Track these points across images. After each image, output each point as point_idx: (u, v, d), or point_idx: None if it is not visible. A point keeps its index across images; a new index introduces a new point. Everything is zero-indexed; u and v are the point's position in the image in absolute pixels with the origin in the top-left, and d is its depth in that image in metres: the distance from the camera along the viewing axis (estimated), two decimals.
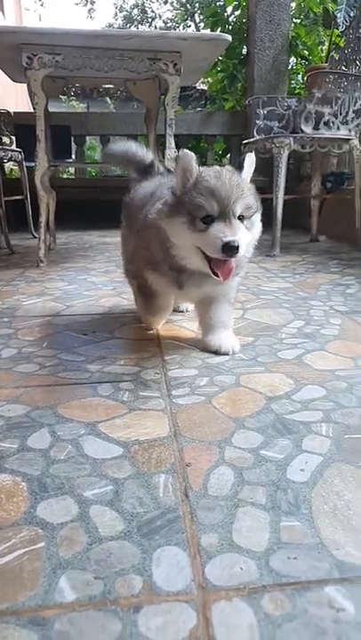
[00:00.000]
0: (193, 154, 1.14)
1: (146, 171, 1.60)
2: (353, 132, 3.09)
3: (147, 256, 1.30)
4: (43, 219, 2.75)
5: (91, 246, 3.51)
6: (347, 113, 3.03)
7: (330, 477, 0.78)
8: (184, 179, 1.14)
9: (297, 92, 5.61)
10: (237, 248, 1.06)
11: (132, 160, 1.64)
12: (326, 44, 5.31)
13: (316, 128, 2.97)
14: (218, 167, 1.18)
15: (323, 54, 5.44)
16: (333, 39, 4.80)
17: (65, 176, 6.22)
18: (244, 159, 1.20)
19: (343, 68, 3.38)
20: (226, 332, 1.36)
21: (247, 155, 1.21)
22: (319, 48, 5.59)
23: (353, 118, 3.05)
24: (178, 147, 6.23)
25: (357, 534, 0.66)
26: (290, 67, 5.63)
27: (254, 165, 1.21)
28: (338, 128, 3.02)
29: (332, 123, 3.00)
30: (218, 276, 1.12)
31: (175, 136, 5.89)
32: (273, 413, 1.00)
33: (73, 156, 5.37)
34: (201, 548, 0.63)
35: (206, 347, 1.34)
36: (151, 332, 1.51)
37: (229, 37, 2.51)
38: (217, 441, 0.90)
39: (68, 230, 4.41)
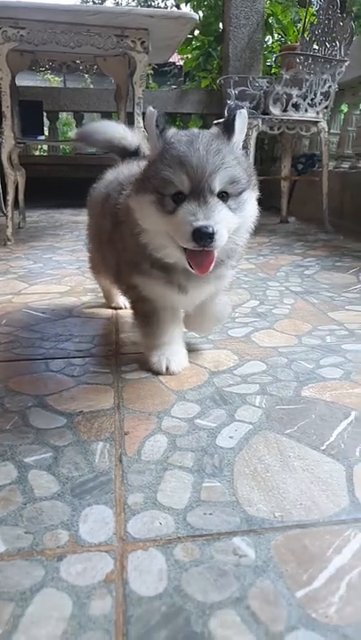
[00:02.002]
0: (156, 112, 0.92)
1: (129, 157, 1.36)
2: (321, 115, 3.13)
3: (125, 256, 1.08)
4: (10, 197, 2.73)
5: (61, 225, 3.50)
6: (315, 95, 3.06)
7: (255, 444, 0.85)
8: (153, 146, 0.95)
9: (273, 71, 5.60)
10: (212, 235, 0.83)
11: (115, 146, 1.40)
12: (302, 22, 5.28)
13: (284, 110, 3.00)
14: (195, 130, 0.94)
15: (299, 34, 5.42)
16: (308, 18, 4.78)
17: (37, 153, 6.12)
18: (233, 117, 0.92)
19: (315, 48, 3.40)
20: (216, 325, 1.24)
21: (238, 111, 0.93)
22: (297, 27, 5.57)
23: (321, 100, 3.09)
24: None
25: (270, 493, 0.72)
26: (267, 45, 5.61)
27: (246, 126, 0.97)
28: (306, 110, 3.05)
29: (301, 105, 3.02)
30: (193, 268, 0.91)
31: None
32: (213, 386, 1.06)
33: (45, 133, 5.28)
34: (126, 506, 0.69)
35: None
36: (164, 374, 1.12)
37: (196, 16, 2.50)
38: (157, 412, 0.95)
39: (40, 208, 4.38)
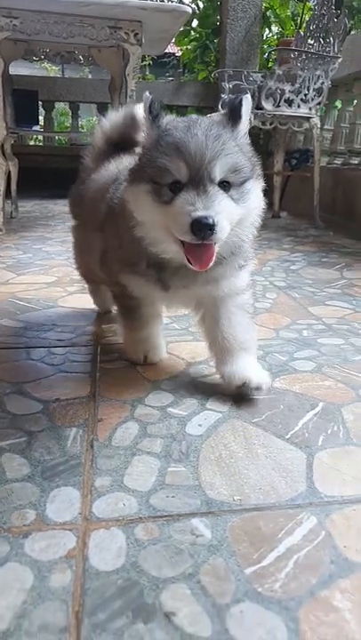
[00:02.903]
0: (150, 97, 0.88)
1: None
2: (313, 111, 3.14)
3: (121, 254, 1.02)
4: (1, 187, 2.74)
5: (53, 215, 3.51)
6: (308, 91, 3.07)
7: (223, 431, 0.88)
8: (147, 133, 0.90)
9: (270, 65, 5.59)
10: (212, 227, 0.77)
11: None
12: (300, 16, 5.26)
13: (277, 105, 3.01)
14: (194, 116, 0.89)
15: (297, 27, 5.40)
16: (305, 13, 4.77)
17: (32, 143, 6.10)
18: (240, 101, 0.87)
19: (310, 43, 3.40)
20: (249, 357, 1.01)
21: (244, 96, 0.88)
22: (297, 20, 5.55)
23: (314, 96, 3.10)
24: None
25: (232, 478, 0.76)
26: (266, 38, 5.59)
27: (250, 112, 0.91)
28: (298, 106, 3.06)
29: (294, 100, 3.04)
30: (192, 264, 0.84)
31: None
32: (189, 377, 1.09)
33: (41, 122, 5.27)
34: (93, 489, 0.73)
35: (226, 381, 0.99)
36: (140, 365, 1.13)
37: (190, 10, 2.51)
38: (131, 400, 0.98)
39: (34, 198, 4.38)
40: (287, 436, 0.87)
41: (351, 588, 0.57)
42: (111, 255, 1.07)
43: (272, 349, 1.24)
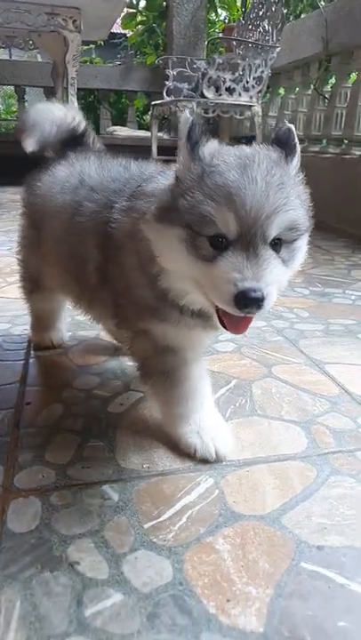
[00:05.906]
0: (191, 119, 0.69)
1: (76, 144, 1.09)
2: (255, 99, 3.23)
3: (139, 300, 0.82)
4: None
5: (0, 204, 3.48)
6: (249, 79, 3.15)
7: (141, 408, 0.97)
8: (186, 164, 0.70)
9: (220, 50, 5.63)
10: (261, 301, 0.63)
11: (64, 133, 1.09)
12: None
13: (219, 94, 3.08)
14: (247, 149, 0.71)
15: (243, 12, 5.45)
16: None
17: None
18: (288, 131, 0.72)
19: (250, 29, 3.47)
20: None
21: (288, 126, 0.73)
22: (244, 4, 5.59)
23: (254, 85, 3.19)
24: (98, 101, 5.95)
25: (144, 449, 0.85)
26: (214, 22, 5.61)
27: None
28: (240, 94, 3.14)
29: (235, 89, 3.11)
30: (227, 328, 0.72)
31: (95, 90, 5.70)
32: (117, 361, 1.17)
33: None
34: (16, 464, 0.80)
35: None
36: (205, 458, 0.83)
37: None
38: (60, 385, 1.06)
39: None
40: None
41: (233, 534, 0.67)
42: (124, 301, 0.86)
43: None
